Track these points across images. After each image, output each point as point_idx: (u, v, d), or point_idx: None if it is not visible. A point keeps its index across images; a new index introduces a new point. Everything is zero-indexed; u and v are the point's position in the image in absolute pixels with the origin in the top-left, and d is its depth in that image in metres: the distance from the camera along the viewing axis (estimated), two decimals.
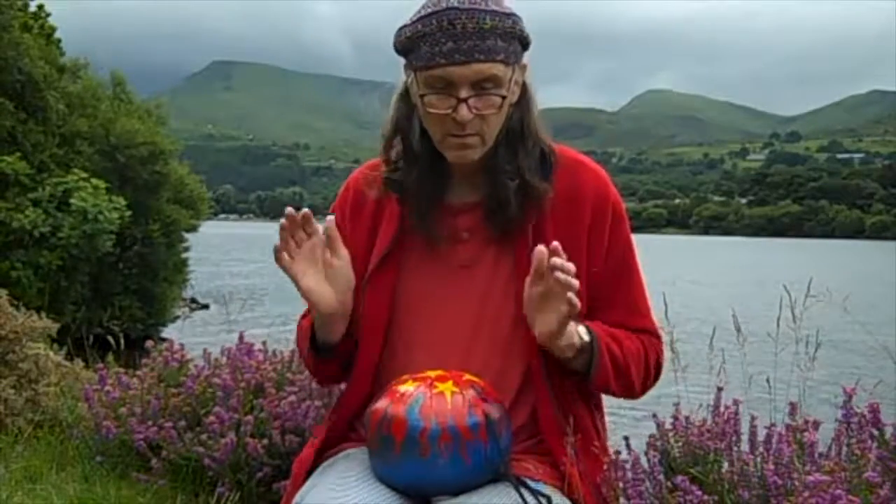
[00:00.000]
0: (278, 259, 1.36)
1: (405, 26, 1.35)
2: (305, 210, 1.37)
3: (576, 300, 1.23)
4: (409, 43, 1.34)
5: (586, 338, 1.34)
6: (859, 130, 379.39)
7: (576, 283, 1.23)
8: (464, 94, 1.31)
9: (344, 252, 1.39)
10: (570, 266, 1.23)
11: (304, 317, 1.56)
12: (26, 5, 14.31)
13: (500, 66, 1.32)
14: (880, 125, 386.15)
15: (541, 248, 1.25)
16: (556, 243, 1.24)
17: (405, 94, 1.42)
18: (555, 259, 1.23)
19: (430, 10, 1.32)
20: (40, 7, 15.01)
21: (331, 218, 1.38)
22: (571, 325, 1.31)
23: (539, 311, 1.29)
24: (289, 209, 1.36)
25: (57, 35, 15.24)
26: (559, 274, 1.22)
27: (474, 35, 1.29)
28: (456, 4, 1.30)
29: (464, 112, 1.31)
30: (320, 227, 1.38)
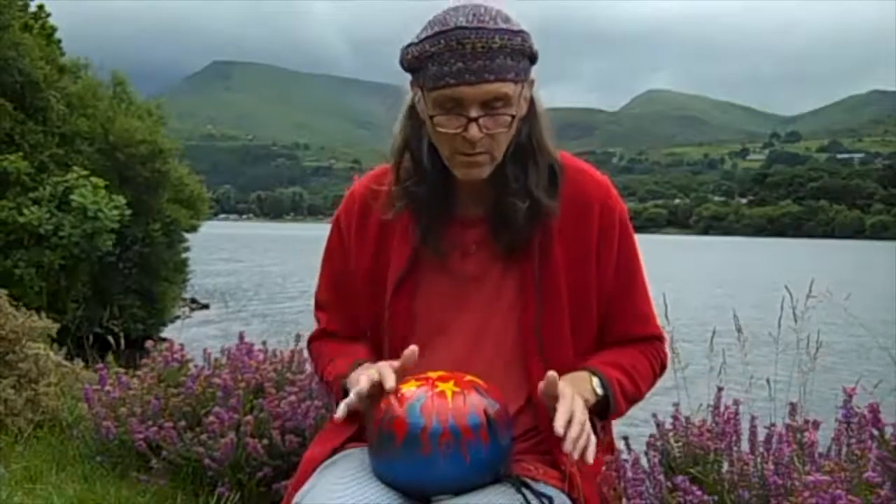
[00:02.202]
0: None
1: (412, 45, 1.33)
2: (390, 384, 1.27)
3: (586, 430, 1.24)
4: (417, 62, 1.32)
5: (601, 392, 1.37)
6: (859, 130, 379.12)
7: (573, 441, 1.21)
8: (474, 113, 1.30)
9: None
10: (562, 426, 1.22)
11: (329, 362, 1.54)
12: (26, 5, 14.31)
13: (510, 84, 1.30)
14: (880, 125, 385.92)
15: (551, 374, 1.25)
16: (551, 374, 1.25)
17: (412, 109, 1.41)
18: (556, 426, 1.21)
19: (437, 30, 1.29)
20: (40, 7, 15.02)
21: (413, 349, 1.31)
22: (587, 387, 1.35)
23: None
24: (362, 389, 1.28)
25: (57, 35, 15.24)
26: (567, 447, 1.21)
27: (483, 55, 1.27)
28: (464, 23, 1.27)
29: (474, 132, 1.30)
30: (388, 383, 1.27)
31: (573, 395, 1.27)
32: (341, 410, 1.30)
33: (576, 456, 1.21)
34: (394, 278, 1.46)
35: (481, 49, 1.27)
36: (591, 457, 1.22)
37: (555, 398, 1.25)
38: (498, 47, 1.28)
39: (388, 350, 1.46)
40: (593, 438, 1.25)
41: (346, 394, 1.44)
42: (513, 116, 1.33)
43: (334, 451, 1.42)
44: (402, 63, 1.36)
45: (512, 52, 1.29)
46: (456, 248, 1.45)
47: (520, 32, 1.31)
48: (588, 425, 1.26)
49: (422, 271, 1.46)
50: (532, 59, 1.35)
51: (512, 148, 1.39)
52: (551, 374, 1.26)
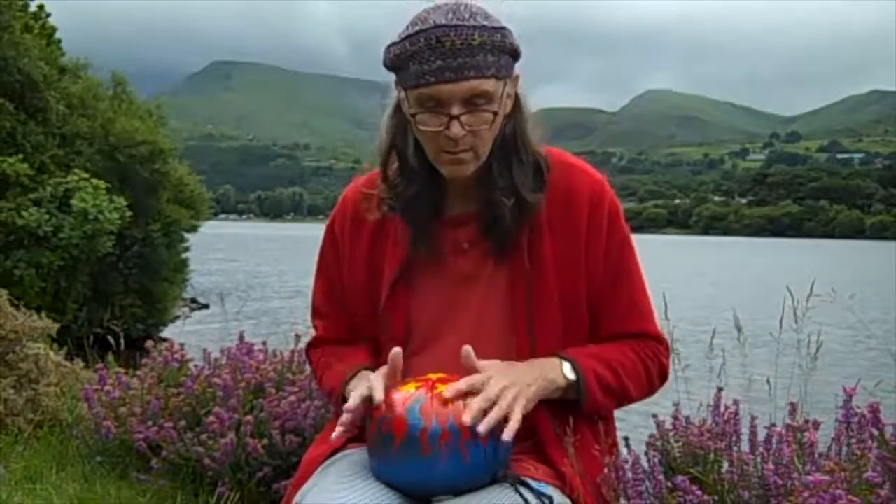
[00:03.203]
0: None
1: (393, 44, 1.33)
2: (378, 397, 1.28)
3: (511, 414, 1.24)
4: (398, 61, 1.32)
5: (572, 376, 1.36)
6: (859, 130, 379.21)
7: (483, 408, 1.23)
8: (455, 111, 1.30)
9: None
10: (462, 391, 1.24)
11: (327, 369, 1.55)
12: (26, 6, 14.30)
13: (492, 81, 1.30)
14: (880, 125, 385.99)
15: (465, 349, 1.27)
16: (466, 348, 1.27)
17: (398, 108, 1.41)
18: (449, 391, 1.23)
19: (417, 28, 1.29)
20: (40, 7, 15.01)
21: (398, 350, 1.32)
22: (556, 371, 1.35)
23: None
24: (351, 406, 1.29)
25: (57, 35, 15.23)
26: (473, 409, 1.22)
27: (463, 52, 1.27)
28: (444, 21, 1.27)
29: (455, 129, 1.30)
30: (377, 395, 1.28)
31: (492, 373, 1.27)
32: (338, 432, 1.31)
33: (481, 430, 1.20)
34: (389, 280, 1.46)
35: (461, 46, 1.27)
36: (507, 435, 1.22)
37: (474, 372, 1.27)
38: (478, 44, 1.28)
39: (387, 352, 1.45)
40: (515, 415, 1.24)
41: (345, 401, 1.44)
42: (495, 113, 1.33)
43: (334, 452, 1.42)
44: (384, 63, 1.37)
45: (493, 48, 1.29)
46: (449, 247, 1.45)
47: (500, 29, 1.30)
48: (505, 402, 1.24)
49: (417, 272, 1.46)
50: (514, 55, 1.35)
51: (497, 144, 1.38)
52: (466, 348, 1.27)
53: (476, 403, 1.22)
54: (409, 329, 1.45)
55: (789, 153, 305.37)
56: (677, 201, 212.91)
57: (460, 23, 1.27)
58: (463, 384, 1.24)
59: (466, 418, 1.20)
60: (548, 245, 1.41)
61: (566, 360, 1.38)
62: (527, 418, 1.42)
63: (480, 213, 1.42)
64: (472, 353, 1.27)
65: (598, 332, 1.46)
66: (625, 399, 1.45)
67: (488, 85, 1.30)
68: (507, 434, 1.22)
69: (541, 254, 1.41)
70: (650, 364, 1.47)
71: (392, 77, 1.41)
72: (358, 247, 1.51)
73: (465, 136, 1.32)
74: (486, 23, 1.29)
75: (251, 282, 26.77)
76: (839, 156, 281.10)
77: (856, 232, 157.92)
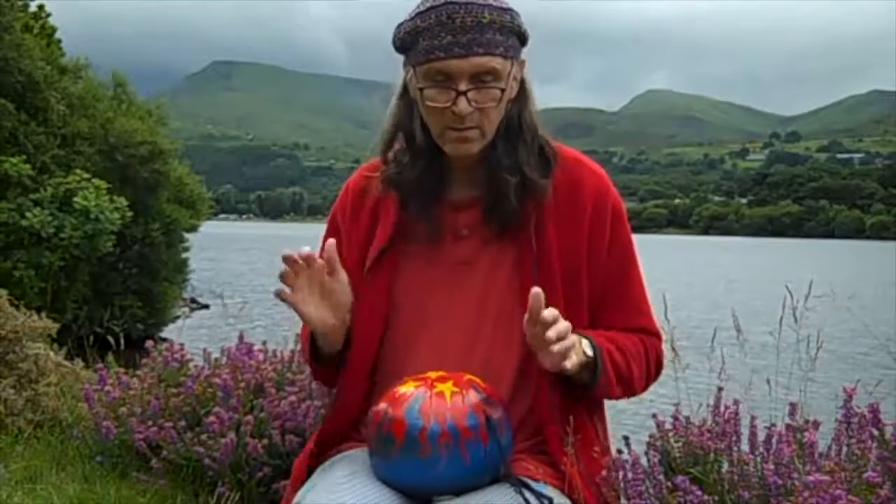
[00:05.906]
0: (281, 297, 1.35)
1: (404, 22, 1.37)
2: (306, 250, 1.34)
3: (568, 355, 1.26)
4: (409, 38, 1.35)
5: (590, 352, 1.36)
6: (859, 130, 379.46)
7: (558, 335, 1.24)
8: (463, 87, 1.32)
9: (343, 275, 1.39)
10: (551, 318, 1.24)
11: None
12: (26, 6, 14.29)
13: (499, 59, 1.33)
14: (880, 125, 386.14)
15: (536, 290, 1.25)
16: (536, 289, 1.24)
17: (405, 91, 1.43)
18: (544, 313, 1.23)
19: (428, 6, 1.33)
20: (40, 7, 15.01)
21: (331, 241, 1.37)
22: (575, 344, 1.33)
23: (541, 349, 1.27)
24: (286, 252, 1.33)
25: (57, 35, 15.23)
26: (550, 334, 1.24)
27: (473, 28, 1.31)
28: None
29: (463, 105, 1.32)
30: (303, 249, 1.34)
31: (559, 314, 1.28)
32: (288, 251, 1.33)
33: (555, 349, 1.23)
34: (373, 254, 1.46)
35: (470, 23, 1.31)
36: (570, 364, 1.27)
37: (538, 318, 1.25)
38: (487, 22, 1.31)
39: (366, 328, 1.45)
40: (572, 358, 1.28)
41: (313, 341, 1.46)
42: (502, 90, 1.35)
43: (319, 451, 1.44)
44: (394, 42, 1.39)
45: (501, 27, 1.33)
46: (447, 232, 1.45)
47: (508, 10, 1.35)
48: (571, 335, 1.27)
49: (406, 251, 1.46)
50: (521, 38, 1.38)
51: (502, 128, 1.40)
52: (536, 290, 1.24)
53: (561, 325, 1.25)
54: (390, 306, 1.45)
55: (789, 153, 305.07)
56: (677, 201, 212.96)
57: (470, 1, 1.31)
58: (553, 314, 1.24)
59: (552, 333, 1.23)
60: (552, 234, 1.42)
61: (583, 336, 1.38)
62: (527, 418, 1.42)
63: (483, 197, 1.43)
64: (542, 297, 1.24)
65: (600, 325, 1.47)
66: (629, 383, 1.44)
67: (496, 62, 1.33)
68: (570, 363, 1.27)
69: (546, 241, 1.42)
70: (651, 353, 1.49)
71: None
72: (355, 229, 1.52)
73: (471, 114, 1.34)
74: (494, 3, 1.33)
75: (233, 280, 26.73)
76: (839, 156, 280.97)
77: (856, 232, 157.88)
